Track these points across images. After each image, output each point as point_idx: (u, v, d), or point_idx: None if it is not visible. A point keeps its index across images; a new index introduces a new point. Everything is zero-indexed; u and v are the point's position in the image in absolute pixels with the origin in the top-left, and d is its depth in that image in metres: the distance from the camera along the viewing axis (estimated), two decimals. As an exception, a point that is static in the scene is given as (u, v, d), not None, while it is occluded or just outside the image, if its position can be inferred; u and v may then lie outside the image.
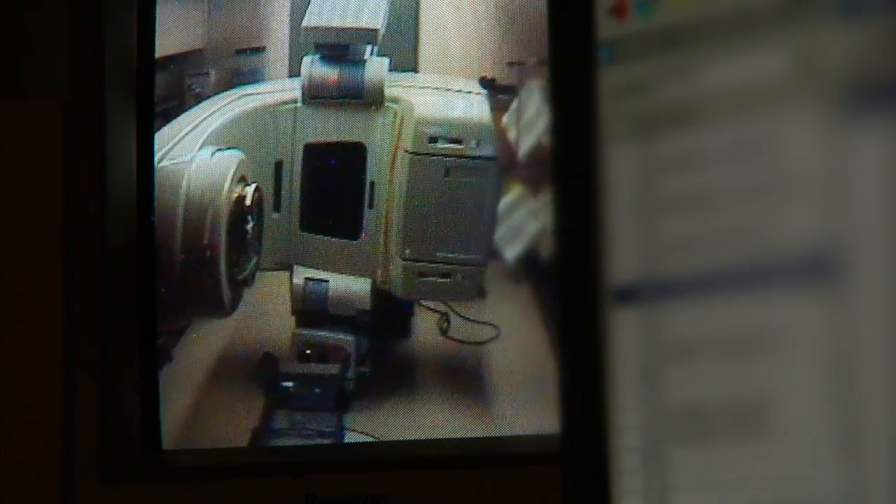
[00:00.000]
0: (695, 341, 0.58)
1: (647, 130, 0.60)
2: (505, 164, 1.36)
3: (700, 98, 0.58)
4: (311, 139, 1.39)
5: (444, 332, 1.37)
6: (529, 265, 1.36)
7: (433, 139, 1.37)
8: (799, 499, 0.54)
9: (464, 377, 1.37)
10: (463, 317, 1.37)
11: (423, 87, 1.38)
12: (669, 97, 0.59)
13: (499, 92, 1.36)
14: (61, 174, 1.38)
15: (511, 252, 1.36)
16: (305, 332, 1.39)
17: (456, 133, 1.37)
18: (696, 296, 0.58)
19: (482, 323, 1.36)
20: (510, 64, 1.37)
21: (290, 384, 1.39)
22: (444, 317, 1.37)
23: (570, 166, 0.64)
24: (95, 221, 1.36)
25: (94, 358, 1.34)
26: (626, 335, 0.61)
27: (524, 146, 1.36)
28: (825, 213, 0.53)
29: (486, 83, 1.37)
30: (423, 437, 1.38)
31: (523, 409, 1.35)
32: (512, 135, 1.37)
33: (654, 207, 0.60)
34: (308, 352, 1.39)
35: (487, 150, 1.36)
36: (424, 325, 1.37)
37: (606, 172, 0.62)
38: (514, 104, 1.36)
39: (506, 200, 1.36)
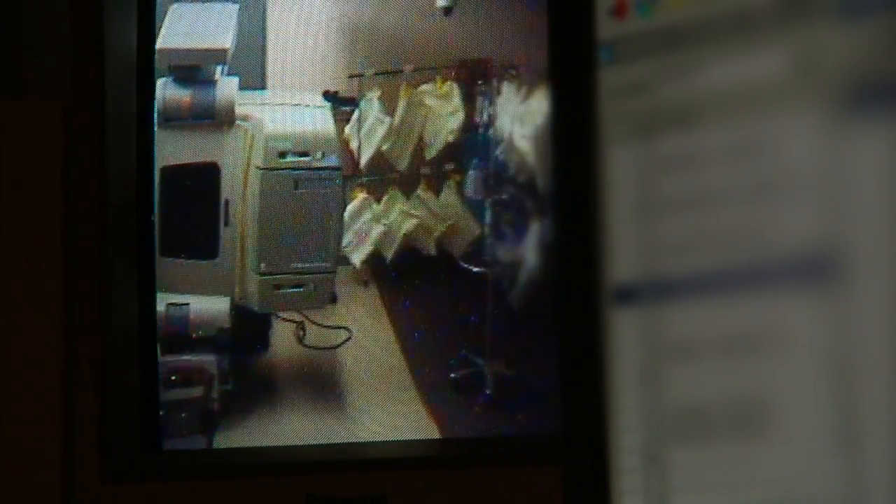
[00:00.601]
0: (695, 341, 0.58)
1: (647, 130, 0.60)
2: (349, 173, 1.41)
3: (700, 98, 0.58)
4: (167, 162, 1.41)
5: (300, 341, 1.41)
6: (375, 267, 1.41)
7: (282, 154, 1.42)
8: (799, 499, 0.54)
9: (323, 382, 1.40)
10: (317, 323, 1.41)
11: (271, 104, 1.42)
12: (669, 97, 0.59)
13: (341, 104, 1.42)
14: (61, 174, 1.38)
15: (357, 256, 1.41)
16: (169, 358, 1.41)
17: (303, 146, 1.42)
18: (695, 296, 0.58)
19: (335, 327, 1.40)
20: (351, 76, 1.41)
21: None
22: (300, 325, 1.41)
23: (570, 166, 0.64)
24: (95, 221, 1.36)
25: (94, 358, 1.34)
26: (626, 335, 0.61)
27: (365, 154, 1.42)
28: (825, 213, 0.53)
29: (329, 96, 1.42)
30: (419, 438, 1.39)
31: (378, 406, 1.40)
32: (354, 144, 1.42)
33: (654, 207, 0.60)
34: (173, 378, 1.40)
35: (332, 161, 1.41)
36: (282, 336, 1.41)
37: (606, 172, 0.62)
38: (355, 115, 1.42)
39: (351, 207, 1.41)
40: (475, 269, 1.40)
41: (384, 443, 1.39)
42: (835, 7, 0.53)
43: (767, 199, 0.55)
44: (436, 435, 1.38)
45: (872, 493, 0.52)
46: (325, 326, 1.41)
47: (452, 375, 1.39)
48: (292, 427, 1.40)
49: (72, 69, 1.38)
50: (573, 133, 0.64)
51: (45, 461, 1.36)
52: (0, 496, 1.35)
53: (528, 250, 1.39)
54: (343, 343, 1.40)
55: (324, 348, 1.40)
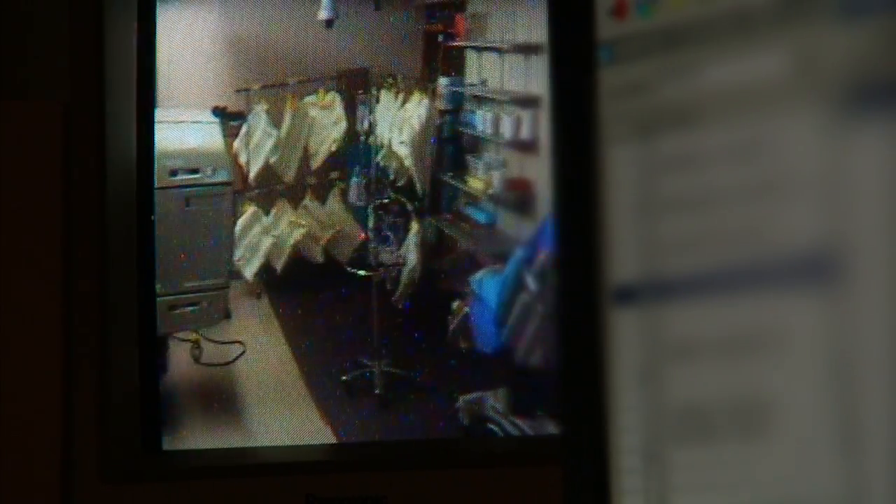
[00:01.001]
0: (695, 341, 0.58)
1: (647, 130, 0.60)
2: (239, 187, 1.43)
3: (700, 98, 0.58)
4: None
5: (197, 360, 1.43)
6: (266, 279, 1.43)
7: (174, 172, 1.43)
8: (799, 499, 0.54)
9: (220, 398, 1.42)
10: (212, 340, 1.42)
11: (161, 122, 1.43)
12: (669, 97, 0.59)
13: (229, 119, 1.44)
14: (61, 174, 1.38)
15: (249, 270, 1.43)
16: None
17: (194, 163, 1.44)
18: (696, 296, 0.58)
19: (229, 342, 1.42)
20: (238, 91, 1.43)
21: None
22: (196, 344, 1.43)
23: (570, 166, 0.64)
24: (95, 221, 1.36)
25: (94, 358, 1.34)
26: (626, 335, 0.61)
27: (254, 167, 1.44)
28: (825, 213, 0.53)
29: (217, 112, 1.44)
30: (421, 438, 1.39)
31: (274, 416, 1.41)
32: (243, 158, 1.43)
33: (654, 207, 0.60)
34: None
35: (223, 176, 1.43)
36: (179, 357, 1.42)
37: (606, 172, 0.62)
38: (244, 129, 1.43)
39: (241, 221, 1.43)
40: (361, 273, 1.42)
41: (384, 443, 1.39)
42: (835, 7, 0.53)
43: (767, 199, 0.55)
44: (331, 439, 1.40)
45: (872, 493, 0.52)
46: (220, 342, 1.42)
47: (344, 378, 1.41)
48: (196, 443, 1.41)
49: (72, 69, 1.38)
50: (573, 133, 0.64)
51: (45, 461, 1.36)
52: (0, 496, 1.35)
53: (410, 251, 1.42)
54: (238, 358, 1.42)
55: (219, 365, 1.41)
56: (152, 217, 1.39)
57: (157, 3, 1.41)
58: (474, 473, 1.34)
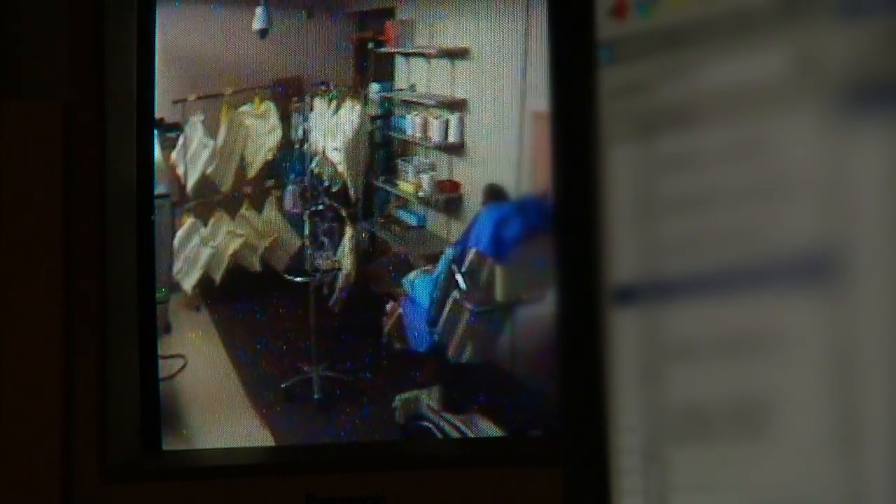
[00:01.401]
0: (695, 341, 0.58)
1: (647, 130, 0.60)
2: (177, 199, 1.44)
3: (700, 98, 0.58)
4: None
5: None
6: (205, 290, 1.44)
7: None
8: (799, 499, 0.54)
9: (163, 413, 1.41)
10: None
11: None
12: (669, 97, 0.59)
13: (166, 130, 1.44)
14: (61, 174, 1.38)
15: (188, 282, 1.44)
16: None
17: None
18: (696, 296, 0.58)
19: (170, 357, 1.42)
20: (175, 102, 1.44)
21: None
22: None
23: (570, 166, 0.64)
24: (95, 221, 1.36)
25: (93, 358, 1.34)
26: (626, 335, 0.61)
27: (191, 178, 1.45)
28: (825, 213, 0.53)
29: (155, 123, 1.43)
30: (422, 438, 1.39)
31: (218, 423, 1.42)
32: (180, 169, 1.44)
33: (654, 207, 0.60)
34: None
35: (161, 188, 1.43)
36: None
37: (606, 172, 0.62)
38: (181, 140, 1.44)
39: (180, 233, 1.44)
40: (297, 280, 1.43)
41: (384, 443, 1.39)
42: (835, 7, 0.53)
43: (767, 199, 0.55)
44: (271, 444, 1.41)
45: (872, 493, 0.52)
46: (161, 357, 1.42)
47: (283, 385, 1.41)
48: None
49: (72, 69, 1.38)
50: (573, 133, 0.64)
51: (45, 461, 1.36)
52: (0, 496, 1.35)
53: (345, 256, 1.42)
54: (179, 371, 1.42)
55: (161, 380, 1.41)
56: (152, 217, 1.39)
57: (157, 4, 1.41)
58: (475, 473, 1.34)
